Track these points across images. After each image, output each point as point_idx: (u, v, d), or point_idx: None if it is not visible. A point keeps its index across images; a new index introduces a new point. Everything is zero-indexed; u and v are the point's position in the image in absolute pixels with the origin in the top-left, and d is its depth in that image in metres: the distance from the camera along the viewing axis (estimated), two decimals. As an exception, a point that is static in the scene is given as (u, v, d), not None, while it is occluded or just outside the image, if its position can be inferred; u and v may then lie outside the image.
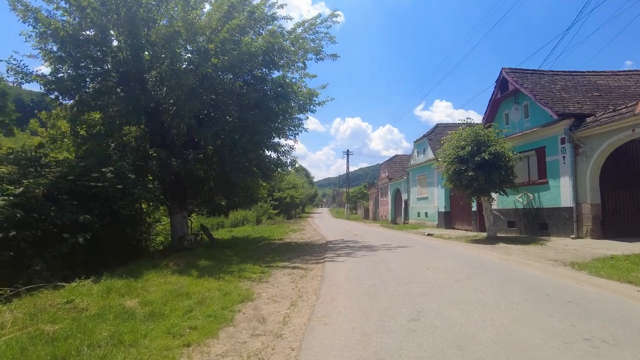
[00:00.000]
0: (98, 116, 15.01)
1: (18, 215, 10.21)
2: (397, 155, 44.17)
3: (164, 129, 15.25)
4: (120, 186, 11.86)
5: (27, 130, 18.62)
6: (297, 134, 17.42)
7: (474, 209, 23.50)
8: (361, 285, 7.31)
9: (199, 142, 15.54)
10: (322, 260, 11.03)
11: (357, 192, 71.13)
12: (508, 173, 17.32)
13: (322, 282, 7.84)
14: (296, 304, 6.35)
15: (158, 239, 19.35)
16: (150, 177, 15.36)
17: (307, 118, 17.72)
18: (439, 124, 32.20)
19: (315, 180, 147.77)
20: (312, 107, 17.44)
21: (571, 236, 15.68)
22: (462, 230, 25.09)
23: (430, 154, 29.90)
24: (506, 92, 20.33)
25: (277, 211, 45.40)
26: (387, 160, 43.75)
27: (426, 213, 30.74)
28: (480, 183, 16.93)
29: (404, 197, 35.94)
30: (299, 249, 15.08)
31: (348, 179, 59.91)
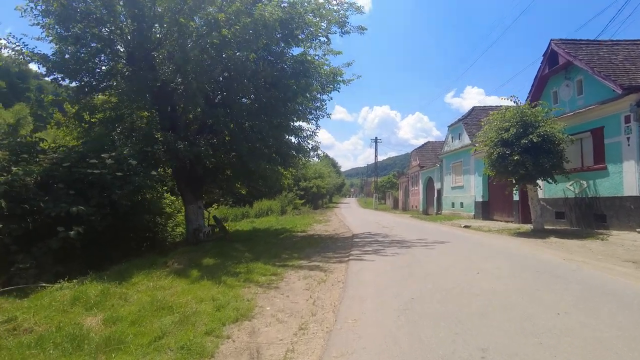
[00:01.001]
0: (101, 100, 13.75)
1: (2, 204, 9.04)
2: (429, 142, 41.69)
3: (174, 112, 13.85)
4: (119, 173, 10.52)
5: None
6: (319, 117, 15.72)
7: (516, 198, 21.23)
8: (394, 299, 5.57)
9: (212, 127, 14.08)
10: (347, 259, 9.34)
11: (385, 182, 68.85)
12: (559, 157, 15.17)
13: (344, 292, 6.15)
14: (307, 326, 4.67)
15: (178, 229, 18.18)
16: (159, 165, 13.99)
17: (331, 99, 16.00)
18: (476, 107, 29.72)
19: (343, 170, 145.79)
20: (336, 85, 15.69)
21: (637, 230, 13.38)
22: (501, 221, 22.85)
23: (466, 139, 27.57)
24: (555, 66, 17.89)
25: (303, 201, 43.89)
26: (418, 148, 41.33)
27: (461, 203, 28.50)
28: (527, 169, 14.86)
29: (437, 186, 33.70)
30: (322, 243, 13.45)
31: (376, 167, 57.73)
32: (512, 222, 21.70)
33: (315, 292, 6.30)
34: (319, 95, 15.65)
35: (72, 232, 9.17)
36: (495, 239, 13.75)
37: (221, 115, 12.45)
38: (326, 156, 18.81)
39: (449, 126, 31.35)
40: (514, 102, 16.54)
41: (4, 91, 61.98)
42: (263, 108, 13.36)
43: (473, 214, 26.23)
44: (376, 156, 55.03)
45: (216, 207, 23.81)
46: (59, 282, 7.48)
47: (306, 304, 5.67)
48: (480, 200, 25.46)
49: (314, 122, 16.16)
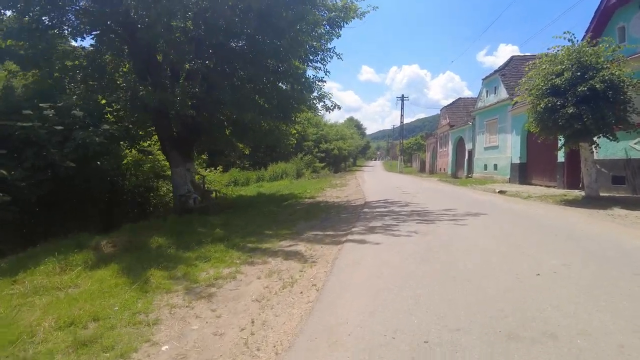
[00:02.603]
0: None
1: None
2: (460, 98, 37.54)
3: (151, 57, 11.30)
4: (59, 127, 8.19)
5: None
6: (326, 59, 12.79)
7: (560, 159, 17.97)
8: (397, 335, 3.04)
9: (197, 72, 11.50)
10: (344, 239, 6.79)
11: (412, 144, 64.99)
12: (624, 108, 12.00)
13: (310, 317, 3.57)
14: None
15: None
16: (127, 118, 11.52)
17: (340, 36, 12.95)
18: (514, 56, 25.73)
19: (369, 132, 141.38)
20: (345, 23, 12.68)
21: None
22: (541, 186, 19.69)
23: (503, 93, 23.94)
24: (626, -6, 14.16)
25: (323, 164, 41.27)
26: (448, 105, 37.27)
27: (495, 165, 25.21)
28: (584, 123, 11.77)
29: (468, 146, 30.24)
30: (325, 213, 10.89)
31: (402, 127, 53.80)
32: (554, 187, 18.53)
33: (264, 311, 3.73)
34: (326, 30, 12.68)
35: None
36: (542, 209, 10.85)
37: (189, 50, 9.79)
38: (335, 106, 16.07)
39: (483, 79, 27.56)
40: (569, 40, 13.13)
41: None
42: (248, 44, 10.60)
43: (509, 177, 23.04)
44: (402, 115, 51.02)
45: (221, 169, 21.53)
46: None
47: (232, 344, 3.17)
48: (518, 162, 22.18)
49: (321, 67, 13.29)
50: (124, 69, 11.95)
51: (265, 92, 12.03)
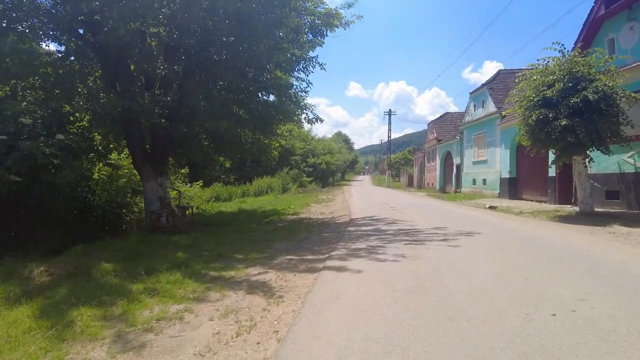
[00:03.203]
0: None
1: None
2: (447, 113, 37.12)
3: (113, 60, 10.39)
4: (3, 137, 7.20)
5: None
6: (308, 68, 12.05)
7: (551, 174, 17.38)
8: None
9: (170, 80, 10.63)
10: (321, 266, 5.88)
11: (400, 158, 64.61)
12: (619, 121, 11.52)
13: None
14: None
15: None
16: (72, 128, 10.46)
17: (323, 44, 12.22)
18: (501, 70, 25.38)
19: (357, 147, 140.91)
20: (329, 31, 11.98)
21: None
22: (532, 201, 19.07)
23: (491, 107, 23.47)
24: (614, 5, 13.74)
25: (310, 179, 40.38)
26: (435, 119, 36.81)
27: (484, 180, 24.59)
28: (578, 136, 11.21)
29: (456, 161, 29.68)
30: (305, 232, 9.96)
31: (390, 141, 53.24)
32: (545, 202, 17.92)
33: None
34: (308, 39, 11.96)
35: None
36: (538, 227, 10.08)
37: (160, 59, 8.94)
38: (317, 119, 15.38)
39: (470, 93, 27.16)
40: (559, 51, 12.62)
41: None
42: (227, 51, 9.80)
43: (498, 192, 22.41)
44: (389, 130, 50.64)
45: (201, 184, 20.52)
46: None
47: None
48: (507, 176, 21.58)
49: (304, 78, 12.56)
50: (95, 75, 11.00)
51: (243, 101, 11.20)
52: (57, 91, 9.46)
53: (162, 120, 10.16)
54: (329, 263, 5.92)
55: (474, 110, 26.28)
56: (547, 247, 6.92)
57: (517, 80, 13.79)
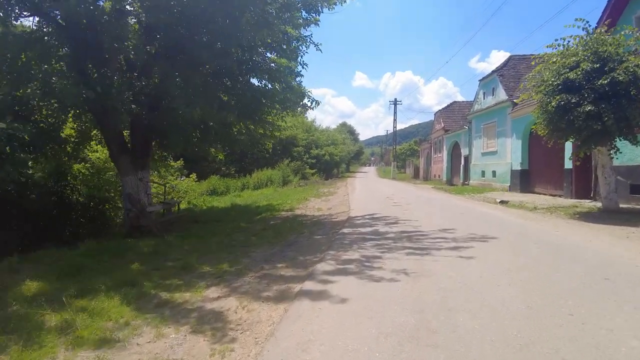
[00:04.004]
0: None
1: None
2: (455, 102, 35.40)
3: (82, 40, 9.13)
4: None
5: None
6: (300, 48, 10.68)
7: (568, 166, 15.95)
8: None
9: (149, 63, 9.37)
10: (297, 289, 4.56)
11: (406, 149, 62.90)
12: (649, 107, 10.17)
13: None
14: None
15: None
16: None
17: (318, 23, 10.85)
18: (513, 56, 23.74)
19: (363, 138, 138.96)
20: (326, 9, 10.60)
21: None
22: (545, 194, 17.68)
23: (502, 95, 21.92)
24: (644, -22, 12.21)
25: (313, 171, 39.01)
26: (442, 109, 35.09)
27: (494, 172, 23.12)
28: (605, 123, 9.86)
29: (464, 152, 28.17)
30: (295, 233, 8.68)
31: (395, 132, 51.39)
32: (560, 196, 16.50)
33: None
34: (302, 17, 10.58)
35: None
36: (560, 228, 8.70)
37: (128, 37, 7.65)
38: (313, 102, 14.23)
39: (480, 80, 25.56)
40: (583, 29, 11.16)
41: None
42: (205, 27, 8.48)
43: (509, 185, 20.98)
44: (395, 120, 48.81)
45: (194, 177, 19.32)
46: None
47: None
48: (519, 168, 20.12)
49: (298, 59, 11.19)
50: (58, 56, 9.72)
51: (227, 86, 9.90)
52: (9, 75, 8.20)
53: (137, 108, 8.91)
54: (307, 285, 4.63)
55: (484, 98, 24.72)
56: (581, 260, 5.59)
57: (533, 63, 12.38)
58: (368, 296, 4.07)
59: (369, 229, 8.69)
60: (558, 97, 10.49)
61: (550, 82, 10.95)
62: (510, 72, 22.60)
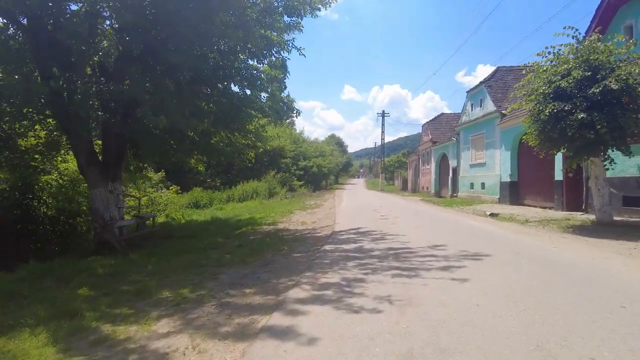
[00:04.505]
0: None
1: None
2: (443, 113, 35.12)
3: (45, 38, 8.40)
4: None
5: None
6: (281, 53, 10.09)
7: (558, 177, 15.54)
8: None
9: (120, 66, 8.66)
10: (262, 323, 3.80)
11: (394, 161, 62.65)
12: (641, 116, 9.82)
13: None
14: None
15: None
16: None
17: (302, 28, 10.28)
18: (500, 67, 23.52)
19: (353, 150, 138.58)
20: (310, 14, 10.05)
21: None
22: (535, 207, 17.23)
23: (490, 106, 21.59)
24: (632, -13, 11.94)
25: (301, 182, 38.26)
26: (430, 120, 34.72)
27: (482, 184, 22.69)
28: (599, 132, 9.43)
29: (452, 164, 27.77)
30: (272, 251, 7.91)
31: (383, 144, 50.94)
32: (551, 208, 16.05)
33: None
34: (284, 22, 10.00)
35: None
36: (557, 243, 8.11)
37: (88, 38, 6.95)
38: (296, 112, 13.58)
39: (467, 91, 25.29)
40: (573, 37, 10.81)
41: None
42: (172, 27, 7.81)
43: (498, 197, 20.53)
44: (383, 132, 48.43)
45: (197, 190, 18.49)
46: None
47: None
48: (508, 180, 19.69)
49: (280, 65, 10.58)
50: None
51: (202, 92, 9.23)
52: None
53: (104, 115, 8.17)
54: (275, 317, 3.89)
55: (471, 110, 24.42)
56: (587, 282, 4.97)
57: (523, 72, 12.00)
58: (344, 335, 3.35)
59: (353, 246, 7.98)
60: (551, 105, 10.08)
61: (542, 91, 10.55)
62: (498, 83, 22.36)
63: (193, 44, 7.87)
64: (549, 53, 11.00)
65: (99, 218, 8.52)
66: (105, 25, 8.42)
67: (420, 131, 40.66)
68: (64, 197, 12.45)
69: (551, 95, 10.30)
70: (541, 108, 10.44)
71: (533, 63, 11.56)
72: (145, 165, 14.33)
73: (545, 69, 10.89)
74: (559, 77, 10.23)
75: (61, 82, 8.13)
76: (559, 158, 15.18)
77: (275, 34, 10.03)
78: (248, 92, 10.31)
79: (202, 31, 7.62)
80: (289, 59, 10.59)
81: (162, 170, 20.60)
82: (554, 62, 10.82)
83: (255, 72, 10.43)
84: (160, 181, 22.70)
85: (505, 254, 6.79)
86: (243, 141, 12.82)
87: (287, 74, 10.77)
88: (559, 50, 10.86)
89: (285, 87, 10.98)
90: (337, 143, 77.03)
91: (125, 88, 8.02)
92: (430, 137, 32.92)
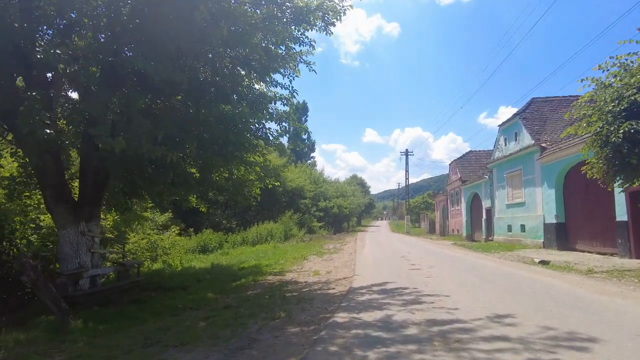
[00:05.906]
0: None
1: None
2: (471, 151, 32.52)
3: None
4: None
5: None
6: (286, 66, 8.27)
7: (621, 217, 12.83)
8: None
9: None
10: None
11: (419, 202, 59.69)
12: None
13: None
14: None
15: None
16: None
17: (314, 44, 8.49)
18: (535, 98, 21.27)
19: (375, 192, 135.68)
20: (318, 21, 8.32)
21: None
22: (591, 252, 14.36)
23: (527, 139, 19.17)
24: None
25: (321, 224, 35.89)
26: (458, 158, 32.21)
27: (522, 226, 19.81)
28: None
29: (485, 204, 25.00)
30: (265, 317, 5.65)
31: (407, 183, 48.17)
32: (614, 254, 13.15)
33: None
34: (290, 34, 8.26)
35: None
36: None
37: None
38: (307, 144, 11.89)
39: (499, 125, 22.98)
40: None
41: None
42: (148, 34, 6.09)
43: (542, 240, 17.64)
44: (407, 171, 46.05)
45: (209, 232, 16.55)
46: None
47: None
48: (554, 221, 16.87)
49: (287, 83, 8.76)
50: None
51: (187, 111, 7.38)
52: None
53: (51, 133, 6.37)
54: None
55: (505, 144, 21.99)
56: None
57: (579, 90, 9.77)
58: None
59: (376, 315, 5.53)
60: (626, 124, 7.81)
61: (610, 108, 8.31)
62: (534, 115, 20.04)
63: (168, 48, 6.06)
64: (614, 65, 8.84)
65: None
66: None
67: (446, 172, 38.16)
68: (39, 241, 10.61)
69: (624, 113, 8.08)
70: (611, 129, 8.17)
71: (593, 78, 9.36)
72: (150, 204, 12.55)
73: (610, 82, 8.77)
74: (635, 91, 8.02)
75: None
76: (619, 195, 12.59)
77: (281, 49, 8.31)
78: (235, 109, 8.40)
79: (180, 32, 5.81)
80: (297, 76, 8.73)
81: (169, 210, 18.83)
82: (620, 76, 8.66)
83: (256, 88, 8.63)
84: (172, 223, 20.99)
85: (616, 335, 4.27)
86: (250, 177, 10.89)
87: (295, 93, 8.89)
88: (628, 59, 8.69)
89: (296, 109, 9.08)
90: (359, 184, 74.67)
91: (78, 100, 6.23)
92: (459, 175, 30.35)
